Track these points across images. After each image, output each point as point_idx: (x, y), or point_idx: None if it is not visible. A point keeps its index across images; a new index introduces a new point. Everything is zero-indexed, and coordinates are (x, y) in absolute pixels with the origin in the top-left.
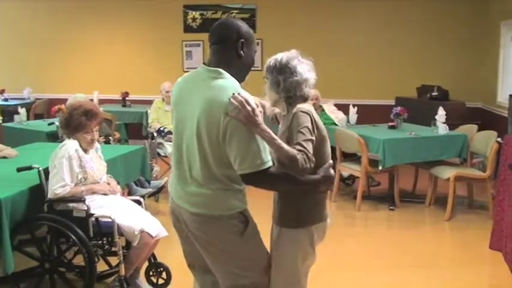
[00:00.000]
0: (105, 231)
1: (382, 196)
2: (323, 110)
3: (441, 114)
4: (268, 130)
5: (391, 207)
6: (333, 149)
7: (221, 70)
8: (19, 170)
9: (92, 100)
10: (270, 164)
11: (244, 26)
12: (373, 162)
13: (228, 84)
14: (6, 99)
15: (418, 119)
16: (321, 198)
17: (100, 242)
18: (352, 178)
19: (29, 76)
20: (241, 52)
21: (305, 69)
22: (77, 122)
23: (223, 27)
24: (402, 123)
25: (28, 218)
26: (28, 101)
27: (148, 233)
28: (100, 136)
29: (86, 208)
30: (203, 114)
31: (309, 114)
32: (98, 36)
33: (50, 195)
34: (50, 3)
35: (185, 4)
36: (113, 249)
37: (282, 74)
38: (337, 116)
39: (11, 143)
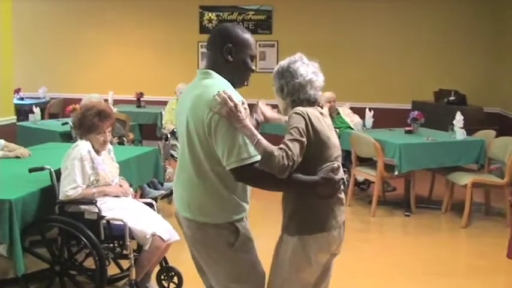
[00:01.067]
0: (117, 234)
1: (398, 202)
2: (338, 113)
3: (459, 119)
4: (251, 126)
5: (406, 213)
6: (348, 153)
7: (210, 71)
8: (31, 170)
9: (106, 100)
10: (257, 158)
11: (236, 31)
12: (389, 167)
13: (214, 82)
14: (21, 98)
15: (435, 124)
16: (325, 205)
17: (111, 245)
18: (368, 183)
19: (44, 75)
20: (229, 57)
21: (309, 71)
22: (89, 123)
23: (213, 33)
24: (419, 128)
25: (39, 219)
26: (43, 100)
27: (160, 237)
28: (114, 137)
29: (97, 210)
30: (190, 112)
31: (303, 115)
32: (113, 36)
33: (61, 197)
34: (66, 3)
35: (201, 5)
36: (124, 252)
37: (284, 78)
38: (352, 119)
39: (24, 142)
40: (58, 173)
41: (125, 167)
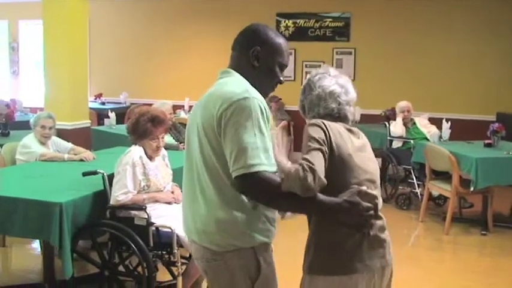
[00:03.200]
0: (165, 241)
1: (475, 219)
2: (414, 123)
3: None
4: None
5: (483, 232)
6: (423, 165)
7: (230, 70)
8: (84, 174)
9: (182, 106)
10: (268, 168)
11: (268, 33)
12: (465, 182)
13: (232, 80)
14: (103, 103)
15: None
16: (351, 242)
17: (159, 252)
18: (444, 198)
19: (126, 81)
20: (255, 62)
21: (331, 82)
22: (143, 129)
23: (241, 32)
24: (500, 141)
25: (90, 223)
26: (124, 105)
27: None
28: (180, 143)
29: (146, 216)
30: (201, 112)
31: (320, 125)
32: (193, 43)
33: (112, 202)
34: (149, 12)
35: (278, 12)
36: (172, 259)
37: (303, 94)
38: (429, 130)
39: (98, 146)
40: (112, 177)
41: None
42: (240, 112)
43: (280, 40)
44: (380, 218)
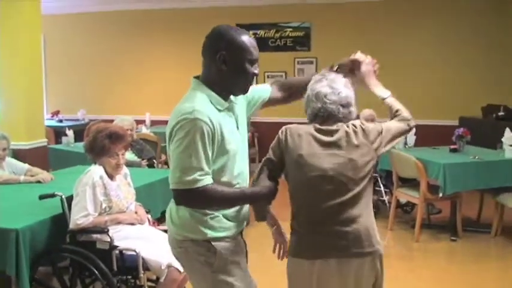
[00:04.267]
0: (130, 265)
1: (444, 225)
2: None
3: (508, 136)
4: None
5: (452, 238)
6: (389, 173)
7: (196, 81)
8: (41, 197)
9: (143, 121)
10: (203, 183)
11: (230, 34)
12: (433, 188)
13: (190, 95)
14: (60, 120)
15: (483, 141)
16: (298, 227)
17: (124, 277)
18: (411, 204)
19: (83, 98)
20: (223, 66)
21: (322, 84)
22: (100, 145)
23: (207, 37)
24: (465, 145)
25: (50, 249)
26: (82, 122)
27: (177, 268)
28: (143, 159)
29: (109, 240)
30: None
31: (279, 134)
32: (152, 56)
33: (71, 225)
34: (106, 26)
35: (238, 23)
36: (138, 283)
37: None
38: None
39: (57, 165)
40: (71, 199)
41: (149, 191)
42: (181, 131)
43: (244, 38)
44: (344, 211)
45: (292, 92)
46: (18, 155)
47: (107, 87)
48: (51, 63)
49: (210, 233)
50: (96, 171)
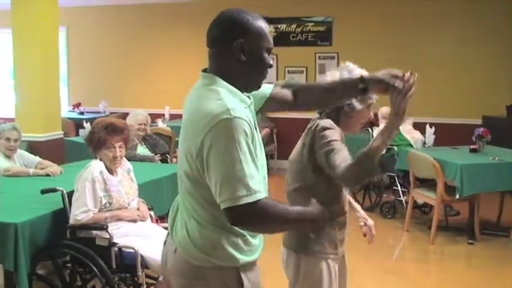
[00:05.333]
0: (128, 263)
1: (461, 227)
2: None
3: None
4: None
5: (470, 241)
6: (407, 172)
7: (214, 77)
8: (43, 192)
9: (162, 115)
10: (257, 197)
11: (246, 20)
12: (451, 189)
13: (212, 94)
14: (81, 113)
15: (507, 141)
16: None
17: (123, 274)
18: (429, 205)
19: (105, 90)
20: (241, 56)
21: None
22: (97, 137)
23: (215, 25)
24: (485, 146)
25: (50, 244)
26: (103, 114)
27: None
28: (156, 154)
29: (108, 236)
30: (184, 126)
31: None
32: (174, 50)
33: (71, 221)
34: (128, 18)
35: None
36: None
37: None
38: (413, 136)
39: (73, 157)
40: (72, 194)
41: (157, 186)
42: (221, 136)
43: (261, 23)
44: None
45: (309, 100)
46: (33, 147)
47: (128, 80)
48: (73, 56)
49: (242, 258)
50: (96, 166)
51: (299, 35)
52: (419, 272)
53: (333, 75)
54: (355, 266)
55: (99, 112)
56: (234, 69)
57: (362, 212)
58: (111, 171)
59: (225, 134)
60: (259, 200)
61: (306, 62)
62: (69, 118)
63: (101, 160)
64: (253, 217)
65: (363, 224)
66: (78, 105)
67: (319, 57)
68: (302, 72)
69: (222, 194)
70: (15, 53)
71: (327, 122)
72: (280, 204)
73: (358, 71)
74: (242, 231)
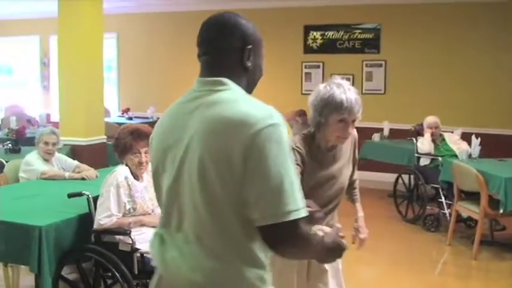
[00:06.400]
0: (150, 269)
1: (507, 243)
2: (443, 139)
3: None
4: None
5: None
6: (452, 184)
7: (224, 80)
8: (70, 196)
9: None
10: (303, 213)
11: (249, 25)
12: (496, 203)
13: (236, 96)
14: (130, 118)
15: None
16: None
17: (145, 280)
18: (475, 219)
19: (154, 95)
20: (248, 63)
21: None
22: (123, 142)
23: (218, 29)
24: None
25: (75, 248)
26: (151, 119)
27: None
28: None
29: (131, 242)
30: (203, 137)
31: None
32: None
33: (95, 226)
34: (176, 26)
35: (306, 24)
36: None
37: None
38: (459, 147)
39: (116, 161)
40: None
41: None
42: (268, 143)
43: (257, 30)
44: None
45: None
46: (76, 150)
47: (177, 86)
48: (123, 61)
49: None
50: (121, 171)
51: (346, 42)
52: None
53: (317, 91)
54: (396, 279)
55: (147, 117)
56: (240, 77)
57: (360, 223)
58: (136, 177)
59: (274, 140)
60: (303, 218)
61: (352, 70)
62: (118, 123)
63: (126, 165)
64: (299, 237)
65: (354, 233)
66: (127, 110)
67: (367, 65)
68: (349, 79)
69: (265, 209)
70: (60, 59)
71: (295, 140)
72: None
73: (346, 86)
74: (265, 263)
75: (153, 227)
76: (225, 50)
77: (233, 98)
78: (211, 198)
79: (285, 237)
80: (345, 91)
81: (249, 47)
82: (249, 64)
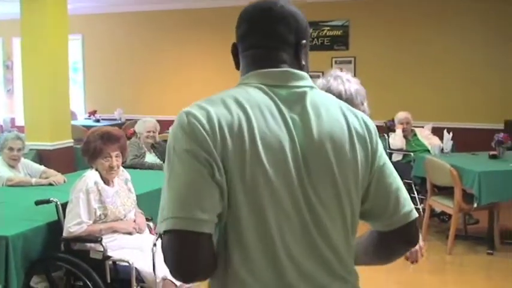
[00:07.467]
0: (123, 277)
1: (481, 236)
2: (415, 134)
3: None
4: None
5: (489, 251)
6: (424, 179)
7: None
8: (37, 203)
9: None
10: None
11: (303, 17)
12: (470, 197)
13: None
14: (97, 120)
15: None
16: None
17: None
18: (449, 213)
19: (121, 97)
20: (303, 62)
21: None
22: (93, 146)
23: (300, 16)
24: (505, 152)
25: (44, 257)
26: (119, 121)
27: (172, 281)
28: (165, 162)
29: (102, 249)
30: (339, 140)
31: None
32: (191, 56)
33: (64, 233)
34: (144, 25)
35: None
36: None
37: None
38: (430, 142)
39: (85, 165)
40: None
41: (159, 196)
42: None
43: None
44: None
45: None
46: (41, 155)
47: (144, 87)
48: (89, 63)
49: None
50: (90, 176)
51: (315, 39)
52: (437, 283)
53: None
54: (368, 278)
55: (114, 119)
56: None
57: None
58: (107, 182)
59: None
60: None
61: (322, 67)
62: (85, 126)
63: (96, 170)
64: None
65: None
66: (94, 112)
67: (336, 62)
68: (318, 77)
69: (404, 206)
70: (24, 61)
71: None
72: None
73: (345, 77)
74: None
75: (126, 233)
76: (284, 43)
77: (327, 96)
78: (355, 217)
79: (414, 233)
80: (343, 82)
81: (304, 42)
82: (303, 63)
